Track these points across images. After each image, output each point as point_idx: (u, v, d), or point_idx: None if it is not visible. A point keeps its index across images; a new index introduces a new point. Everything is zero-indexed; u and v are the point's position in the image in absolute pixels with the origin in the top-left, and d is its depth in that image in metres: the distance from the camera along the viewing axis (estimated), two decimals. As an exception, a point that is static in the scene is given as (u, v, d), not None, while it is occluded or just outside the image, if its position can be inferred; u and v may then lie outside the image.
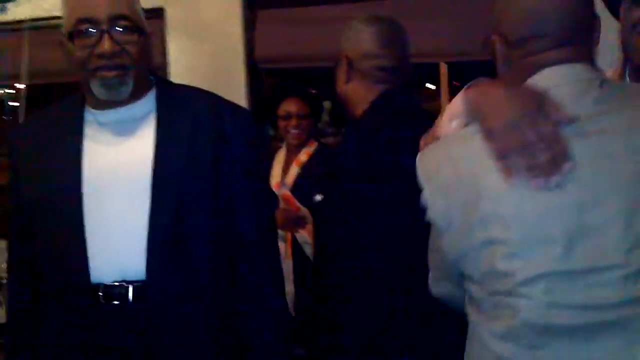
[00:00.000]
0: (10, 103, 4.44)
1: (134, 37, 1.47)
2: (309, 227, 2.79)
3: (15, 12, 3.36)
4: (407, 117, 1.72)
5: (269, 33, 3.39)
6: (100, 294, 1.44)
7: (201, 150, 1.49)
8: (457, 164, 1.08)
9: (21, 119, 3.22)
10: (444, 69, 4.12)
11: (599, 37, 1.13)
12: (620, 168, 0.97)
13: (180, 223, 1.47)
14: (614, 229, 0.95)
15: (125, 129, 1.51)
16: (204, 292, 1.51)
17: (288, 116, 2.99)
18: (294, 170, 2.92)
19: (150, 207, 1.44)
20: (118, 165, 1.49)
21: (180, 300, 1.48)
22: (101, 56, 1.42)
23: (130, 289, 1.44)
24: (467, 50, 3.15)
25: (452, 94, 3.80)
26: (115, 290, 1.45)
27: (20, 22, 3.16)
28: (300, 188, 2.85)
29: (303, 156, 2.95)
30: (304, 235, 2.84)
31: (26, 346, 1.58)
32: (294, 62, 3.53)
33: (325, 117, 4.05)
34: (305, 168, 2.90)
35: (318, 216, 2.21)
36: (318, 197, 2.17)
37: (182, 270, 1.48)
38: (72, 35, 1.44)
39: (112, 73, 1.44)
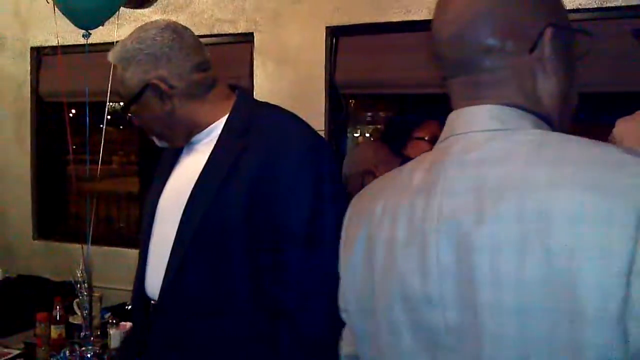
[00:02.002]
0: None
1: (131, 112, 1.60)
2: None
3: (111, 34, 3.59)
4: None
5: (350, 59, 3.51)
6: (151, 310, 1.56)
7: (237, 185, 1.45)
8: None
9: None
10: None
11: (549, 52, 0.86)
12: None
13: (202, 253, 1.47)
14: None
15: (191, 156, 1.61)
16: (226, 322, 1.48)
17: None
18: None
19: (175, 236, 1.50)
20: (172, 191, 1.61)
21: (195, 323, 1.49)
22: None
23: (151, 307, 1.56)
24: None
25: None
26: (154, 306, 1.56)
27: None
28: None
29: None
30: None
31: None
32: (371, 87, 3.62)
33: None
34: None
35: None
36: None
37: (195, 301, 1.49)
38: None
39: (151, 137, 1.67)
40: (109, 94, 3.25)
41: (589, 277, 0.69)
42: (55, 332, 2.60)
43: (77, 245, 3.86)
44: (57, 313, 2.64)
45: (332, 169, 1.53)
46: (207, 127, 1.57)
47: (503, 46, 0.85)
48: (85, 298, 2.43)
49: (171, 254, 1.48)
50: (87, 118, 2.93)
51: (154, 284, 1.54)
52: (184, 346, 1.49)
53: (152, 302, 1.54)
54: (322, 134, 3.48)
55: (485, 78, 0.86)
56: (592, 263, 0.70)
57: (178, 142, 1.62)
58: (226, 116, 1.56)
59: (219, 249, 1.46)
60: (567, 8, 3.34)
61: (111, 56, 1.59)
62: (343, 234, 1.01)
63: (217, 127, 1.56)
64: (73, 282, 2.53)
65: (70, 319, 2.71)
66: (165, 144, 1.63)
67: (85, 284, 2.42)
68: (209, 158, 1.52)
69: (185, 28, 1.61)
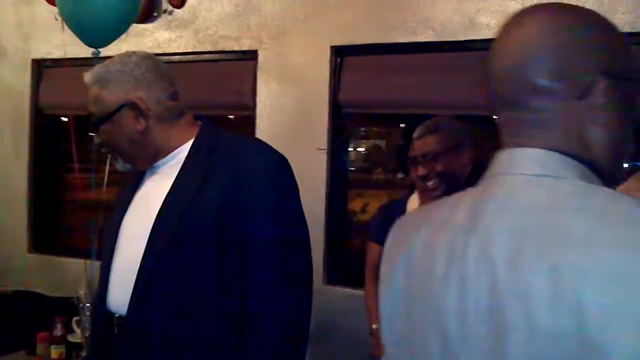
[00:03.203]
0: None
1: (102, 129, 1.69)
2: None
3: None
4: None
5: (354, 79, 3.51)
6: (115, 323, 1.61)
7: (205, 203, 1.54)
8: None
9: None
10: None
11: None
12: None
13: (170, 268, 1.55)
14: None
15: (156, 178, 1.70)
16: (192, 335, 1.55)
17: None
18: None
19: (142, 254, 1.58)
20: (138, 211, 1.68)
21: (162, 338, 1.56)
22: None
23: (115, 321, 1.60)
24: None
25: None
26: (117, 321, 1.61)
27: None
28: None
29: None
30: None
31: None
32: (374, 107, 3.62)
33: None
34: None
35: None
36: None
37: (165, 316, 1.56)
38: None
39: (110, 156, 1.80)
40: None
41: (621, 340, 0.68)
42: (55, 352, 2.56)
43: (73, 260, 3.83)
44: (57, 333, 2.60)
45: (294, 183, 1.65)
46: (173, 151, 1.67)
47: (551, 88, 0.84)
48: (87, 317, 2.39)
49: (140, 268, 1.56)
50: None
51: (118, 299, 1.61)
52: (153, 356, 1.57)
53: (117, 315, 1.60)
54: (324, 152, 3.50)
55: (531, 117, 0.86)
56: (625, 325, 0.68)
57: (142, 163, 1.70)
58: (192, 140, 1.67)
59: (188, 259, 1.54)
60: None
61: (89, 77, 1.69)
62: (383, 265, 1.00)
63: (183, 150, 1.66)
64: (75, 300, 2.49)
65: (69, 338, 2.67)
66: (127, 166, 1.72)
67: (88, 304, 2.38)
68: (177, 175, 1.61)
69: (160, 60, 1.74)
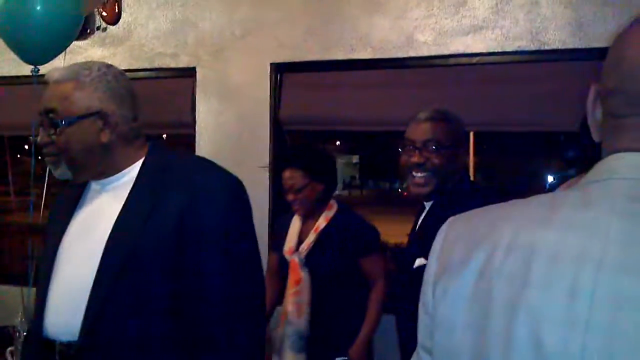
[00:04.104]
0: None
1: (61, 129, 1.59)
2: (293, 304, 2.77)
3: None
4: None
5: (294, 96, 3.52)
6: (57, 349, 1.53)
7: (161, 223, 1.51)
8: None
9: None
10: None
11: None
12: None
13: (124, 292, 1.51)
14: None
15: (103, 199, 1.64)
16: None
17: (286, 189, 2.85)
18: (311, 237, 2.81)
19: (94, 278, 1.51)
20: (84, 233, 1.61)
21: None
22: (38, 146, 1.64)
23: (57, 346, 1.53)
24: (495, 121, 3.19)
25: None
26: (67, 348, 1.53)
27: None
28: (317, 255, 2.77)
29: (322, 222, 2.82)
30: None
31: None
32: (315, 124, 3.63)
33: (350, 172, 4.06)
34: (322, 235, 2.80)
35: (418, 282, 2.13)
36: (420, 261, 1.91)
37: (117, 341, 1.51)
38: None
39: (51, 159, 1.62)
40: (33, 127, 3.16)
41: None
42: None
43: (9, 287, 3.67)
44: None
45: (249, 205, 1.64)
46: (122, 170, 1.63)
47: None
48: (21, 347, 2.28)
49: (92, 292, 1.51)
50: (34, 153, 2.78)
51: (58, 324, 1.55)
52: None
53: (58, 342, 1.54)
54: (267, 169, 3.49)
55: None
56: None
57: (86, 175, 1.65)
58: (141, 160, 1.64)
59: (143, 282, 1.51)
60: (454, 52, 3.38)
61: (60, 72, 1.61)
62: (437, 258, 0.88)
63: (132, 170, 1.63)
64: (10, 329, 2.38)
65: (3, 370, 2.54)
66: (68, 174, 1.63)
67: (25, 332, 2.27)
68: (128, 197, 1.57)
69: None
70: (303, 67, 3.47)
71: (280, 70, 3.51)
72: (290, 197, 2.83)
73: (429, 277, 0.88)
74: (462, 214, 0.91)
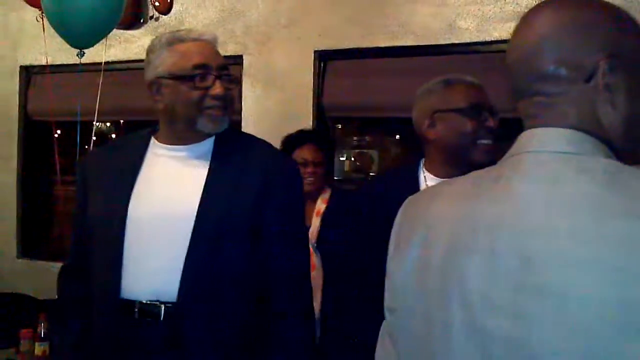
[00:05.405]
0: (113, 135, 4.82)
1: (233, 85, 1.74)
2: None
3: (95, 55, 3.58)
4: None
5: (337, 83, 3.57)
6: (136, 309, 1.61)
7: (245, 195, 1.65)
8: None
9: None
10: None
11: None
12: None
13: (216, 257, 1.61)
14: None
15: (185, 164, 1.70)
16: (233, 320, 1.64)
17: (304, 163, 2.88)
18: (316, 222, 2.86)
19: (190, 240, 1.61)
20: (168, 197, 1.67)
21: (208, 324, 1.61)
22: (215, 97, 1.66)
23: (163, 308, 1.60)
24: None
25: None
26: (149, 308, 1.61)
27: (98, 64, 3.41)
28: (325, 240, 2.80)
29: (321, 205, 2.90)
30: None
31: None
32: (357, 111, 3.68)
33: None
34: (325, 217, 2.86)
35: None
36: None
37: (212, 298, 1.61)
38: (184, 78, 1.66)
39: (221, 112, 1.69)
40: (96, 113, 3.31)
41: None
42: (39, 349, 2.56)
43: (57, 264, 3.85)
44: (42, 330, 2.61)
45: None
46: (205, 139, 1.72)
47: (558, 74, 0.89)
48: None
49: (188, 254, 1.60)
50: (78, 137, 2.94)
51: (144, 286, 1.61)
52: (193, 344, 1.61)
53: (139, 301, 1.61)
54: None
55: (546, 102, 0.90)
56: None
57: (224, 124, 1.73)
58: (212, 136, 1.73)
59: (233, 249, 1.64)
60: (497, 38, 3.34)
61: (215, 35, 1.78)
62: (394, 236, 1.02)
63: (209, 141, 1.73)
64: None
65: (55, 336, 2.69)
66: (225, 121, 1.72)
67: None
68: (212, 165, 1.68)
69: None
70: (346, 54, 3.52)
71: (323, 58, 3.58)
72: (309, 169, 2.89)
73: (390, 251, 1.01)
74: (413, 195, 1.05)
